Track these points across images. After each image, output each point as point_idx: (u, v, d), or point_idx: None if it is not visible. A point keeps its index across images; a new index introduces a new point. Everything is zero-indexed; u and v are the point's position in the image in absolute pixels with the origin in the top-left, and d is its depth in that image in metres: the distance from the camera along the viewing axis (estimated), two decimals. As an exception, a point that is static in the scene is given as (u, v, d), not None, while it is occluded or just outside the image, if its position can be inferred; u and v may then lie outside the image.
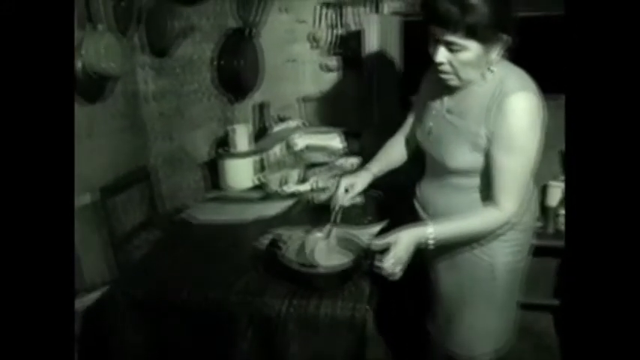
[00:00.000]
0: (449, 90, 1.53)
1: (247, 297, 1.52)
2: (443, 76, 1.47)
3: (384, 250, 1.45)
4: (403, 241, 1.46)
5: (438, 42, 1.39)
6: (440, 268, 1.72)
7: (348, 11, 2.83)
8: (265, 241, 1.80)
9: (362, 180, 1.80)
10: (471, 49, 1.36)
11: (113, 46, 2.41)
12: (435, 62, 1.43)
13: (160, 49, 2.83)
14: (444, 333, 1.79)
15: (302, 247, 1.64)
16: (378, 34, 2.42)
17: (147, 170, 2.97)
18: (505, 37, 1.38)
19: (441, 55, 1.40)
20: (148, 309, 1.57)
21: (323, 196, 2.17)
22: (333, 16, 2.84)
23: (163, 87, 2.96)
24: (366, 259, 1.52)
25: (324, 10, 2.85)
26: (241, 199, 2.30)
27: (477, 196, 1.54)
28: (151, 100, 3.00)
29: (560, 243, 2.38)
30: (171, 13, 2.70)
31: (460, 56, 1.38)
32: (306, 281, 1.50)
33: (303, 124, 2.90)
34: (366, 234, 1.73)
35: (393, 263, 1.44)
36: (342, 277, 1.52)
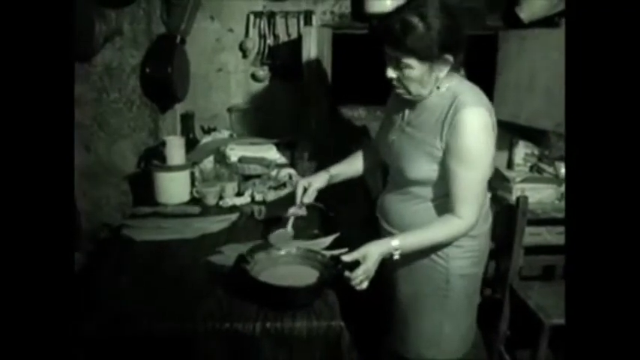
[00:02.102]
0: (409, 104, 1.63)
1: (215, 324, 1.42)
2: (396, 90, 1.58)
3: (352, 264, 1.50)
4: (373, 256, 1.51)
5: (388, 58, 1.51)
6: (397, 272, 1.75)
7: (277, 22, 2.82)
8: (215, 258, 1.76)
9: (319, 179, 1.86)
10: (415, 67, 1.47)
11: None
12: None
13: (81, 53, 2.59)
14: (397, 337, 1.82)
15: (266, 266, 1.60)
16: (315, 45, 2.42)
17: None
18: (448, 57, 1.47)
19: (390, 71, 1.52)
20: (103, 346, 1.41)
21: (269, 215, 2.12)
22: (264, 25, 2.81)
23: (79, 95, 2.72)
24: (331, 273, 1.52)
25: (254, 20, 2.80)
26: (180, 214, 2.17)
27: (435, 205, 1.61)
28: (64, 109, 2.75)
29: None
30: (100, 16, 2.48)
31: (406, 73, 1.49)
32: (283, 298, 1.46)
33: (231, 135, 2.82)
34: (319, 247, 1.78)
35: (362, 277, 1.49)
36: (315, 293, 1.49)
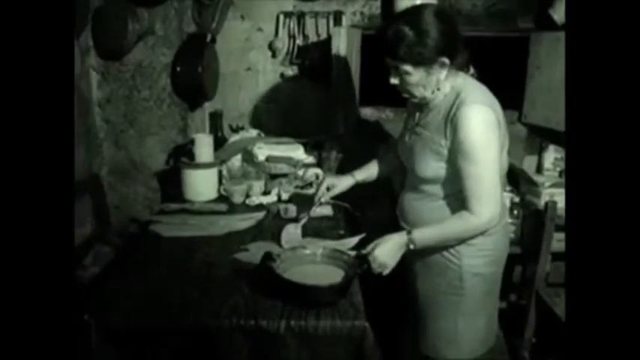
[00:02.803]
0: (420, 106, 1.69)
1: (240, 320, 1.43)
2: (403, 94, 1.65)
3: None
4: (387, 242, 1.60)
5: (389, 66, 1.58)
6: (415, 268, 1.78)
7: (307, 22, 2.83)
8: (241, 255, 1.77)
9: (344, 182, 1.96)
10: (412, 72, 1.54)
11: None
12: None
13: (113, 51, 2.64)
14: (416, 335, 1.83)
15: (292, 264, 1.60)
16: (345, 45, 2.42)
17: (99, 180, 2.77)
18: (444, 59, 1.52)
19: (392, 78, 1.60)
20: (128, 341, 1.43)
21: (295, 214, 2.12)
22: (294, 25, 2.82)
23: (110, 93, 2.78)
24: (355, 272, 1.53)
25: (284, 20, 2.82)
26: (207, 211, 2.20)
27: (448, 202, 1.64)
28: (96, 106, 2.80)
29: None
30: (132, 14, 2.52)
31: (406, 78, 1.56)
32: (308, 297, 1.46)
33: (259, 134, 2.84)
34: (345, 247, 1.77)
35: (379, 261, 1.57)
36: (340, 292, 1.49)
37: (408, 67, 1.53)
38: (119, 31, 2.51)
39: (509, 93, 1.65)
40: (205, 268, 1.72)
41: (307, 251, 1.65)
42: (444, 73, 1.55)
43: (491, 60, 1.86)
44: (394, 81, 1.60)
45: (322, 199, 1.93)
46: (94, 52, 2.68)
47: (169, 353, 1.43)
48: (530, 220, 2.54)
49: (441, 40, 1.50)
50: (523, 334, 2.45)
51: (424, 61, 1.52)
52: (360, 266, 1.51)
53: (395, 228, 1.86)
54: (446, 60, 1.53)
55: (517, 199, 2.55)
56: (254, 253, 1.80)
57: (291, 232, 1.88)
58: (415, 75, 1.54)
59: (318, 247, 1.67)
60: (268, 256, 1.53)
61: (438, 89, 1.60)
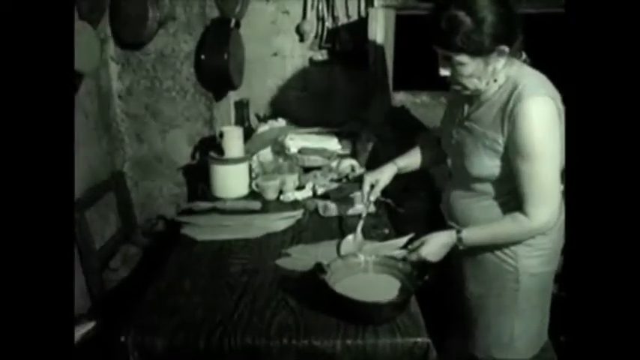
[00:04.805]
0: (468, 97, 1.55)
1: (291, 340, 1.31)
2: (452, 87, 1.51)
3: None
4: (434, 239, 1.55)
5: (439, 57, 1.44)
6: (465, 270, 1.70)
7: (337, 2, 2.65)
8: (282, 261, 1.66)
9: (387, 174, 1.82)
10: (467, 63, 1.39)
11: (85, 38, 2.08)
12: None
13: (134, 41, 2.48)
14: (466, 336, 1.75)
15: (344, 275, 1.47)
16: (382, 28, 2.25)
17: (123, 177, 2.64)
18: (504, 47, 1.37)
19: (443, 70, 1.45)
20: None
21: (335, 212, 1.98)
22: (322, 7, 2.64)
23: (131, 84, 2.63)
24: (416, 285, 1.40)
25: (312, 1, 2.64)
26: (241, 210, 2.06)
27: (501, 202, 1.53)
28: (116, 99, 2.66)
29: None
30: (153, 1, 2.34)
31: (459, 70, 1.41)
32: (366, 314, 1.33)
33: (288, 123, 2.69)
34: (395, 249, 1.65)
35: (422, 256, 1.53)
36: (400, 308, 1.36)
37: (463, 58, 1.38)
38: (139, 19, 2.34)
39: (555, 74, 1.48)
40: (245, 276, 1.60)
41: (359, 259, 1.51)
42: (501, 62, 1.41)
43: (535, 40, 1.69)
44: (445, 73, 1.46)
45: (371, 199, 1.79)
46: (112, 41, 2.52)
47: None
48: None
49: (500, 26, 1.35)
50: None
51: (482, 51, 1.37)
52: (420, 278, 1.36)
53: (433, 221, 1.80)
54: (505, 48, 1.38)
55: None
56: (296, 257, 1.70)
57: (351, 244, 1.74)
58: (471, 66, 1.40)
59: (370, 253, 1.54)
60: (319, 268, 1.39)
61: (495, 80, 1.45)
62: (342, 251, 1.72)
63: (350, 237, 1.78)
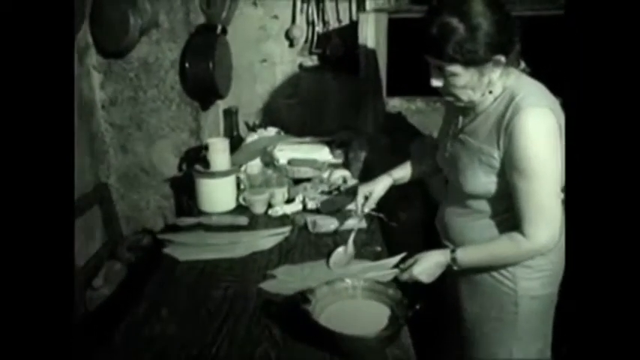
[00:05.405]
0: (463, 109, 1.47)
1: (274, 376, 1.22)
2: (446, 98, 1.43)
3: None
4: (426, 260, 1.47)
5: (430, 66, 1.36)
6: (462, 291, 1.62)
7: (327, 6, 2.56)
8: (267, 285, 1.56)
9: (381, 185, 1.74)
10: (460, 73, 1.31)
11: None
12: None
13: (115, 49, 2.39)
14: (465, 358, 1.68)
15: (330, 301, 1.38)
16: (373, 33, 2.16)
17: (107, 189, 2.55)
18: (500, 57, 1.30)
19: (434, 80, 1.37)
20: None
21: (325, 228, 1.90)
22: (312, 11, 2.55)
23: (114, 94, 2.54)
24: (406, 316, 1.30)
25: (301, 5, 2.55)
26: (227, 226, 1.97)
27: (498, 221, 1.45)
28: (99, 109, 2.57)
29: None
30: (133, 7, 2.24)
31: (452, 80, 1.34)
32: (352, 348, 1.24)
33: (278, 132, 2.60)
34: (386, 269, 1.58)
35: (413, 277, 1.47)
36: (389, 341, 1.26)
37: (456, 68, 1.30)
38: (119, 26, 2.24)
39: (551, 78, 1.42)
40: (227, 302, 1.50)
41: (346, 284, 1.42)
42: (497, 72, 1.33)
43: (531, 42, 1.61)
44: (437, 83, 1.37)
45: (365, 210, 1.72)
46: (94, 50, 2.43)
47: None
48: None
49: (497, 34, 1.27)
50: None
51: (476, 61, 1.29)
52: (411, 307, 1.27)
53: (429, 235, 1.74)
54: (501, 58, 1.29)
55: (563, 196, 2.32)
56: (281, 279, 1.60)
57: (342, 256, 1.69)
58: (464, 76, 1.31)
59: (359, 279, 1.44)
60: (303, 298, 1.30)
61: (490, 92, 1.36)
62: (332, 263, 1.66)
63: (341, 249, 1.71)
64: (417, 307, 1.26)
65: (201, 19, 2.47)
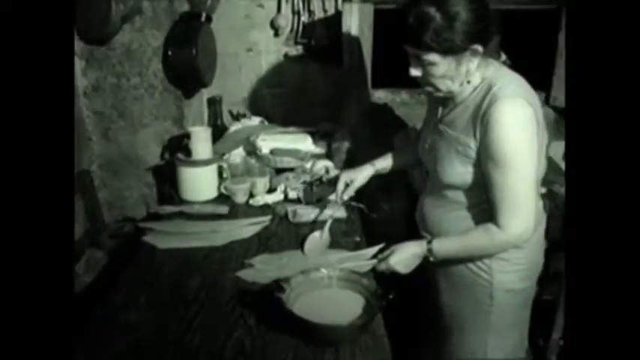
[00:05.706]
0: (442, 99, 1.49)
1: (248, 363, 1.23)
2: (425, 89, 1.44)
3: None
4: (403, 251, 1.50)
5: (409, 56, 1.36)
6: (439, 281, 1.64)
7: (313, -4, 2.55)
8: (245, 273, 1.57)
9: (363, 174, 1.78)
10: (437, 62, 1.31)
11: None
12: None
13: (96, 36, 2.36)
14: (440, 353, 1.71)
15: (305, 290, 1.39)
16: (357, 23, 2.16)
17: (90, 176, 2.53)
18: (477, 47, 1.30)
19: (413, 70, 1.38)
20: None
21: (305, 218, 1.91)
22: (298, 1, 2.54)
23: (96, 80, 2.51)
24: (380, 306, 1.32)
25: (287, -6, 2.54)
26: (207, 215, 1.97)
27: (474, 213, 1.47)
28: (81, 96, 2.54)
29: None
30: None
31: (430, 70, 1.34)
32: (325, 336, 1.26)
33: (262, 121, 2.60)
34: (364, 259, 1.59)
35: (389, 268, 1.50)
36: (362, 329, 1.28)
37: (433, 57, 1.30)
38: (101, 13, 2.22)
39: (536, 73, 1.42)
40: (204, 290, 1.51)
41: (322, 274, 1.43)
42: (475, 62, 1.34)
43: (514, 36, 1.63)
44: (415, 73, 1.38)
45: (344, 197, 1.76)
46: (75, 36, 2.40)
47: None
48: (557, 212, 2.33)
49: (474, 23, 1.27)
50: (549, 335, 2.25)
51: (453, 50, 1.29)
52: (385, 297, 1.29)
53: (411, 225, 1.76)
54: (479, 47, 1.30)
55: (543, 190, 2.34)
56: (259, 269, 1.61)
57: (317, 241, 1.71)
58: (442, 66, 1.32)
59: (334, 268, 1.45)
60: (277, 286, 1.31)
61: (468, 82, 1.37)
62: (307, 249, 1.67)
63: (317, 233, 1.72)
64: (391, 296, 1.28)
65: (185, 7, 2.46)
